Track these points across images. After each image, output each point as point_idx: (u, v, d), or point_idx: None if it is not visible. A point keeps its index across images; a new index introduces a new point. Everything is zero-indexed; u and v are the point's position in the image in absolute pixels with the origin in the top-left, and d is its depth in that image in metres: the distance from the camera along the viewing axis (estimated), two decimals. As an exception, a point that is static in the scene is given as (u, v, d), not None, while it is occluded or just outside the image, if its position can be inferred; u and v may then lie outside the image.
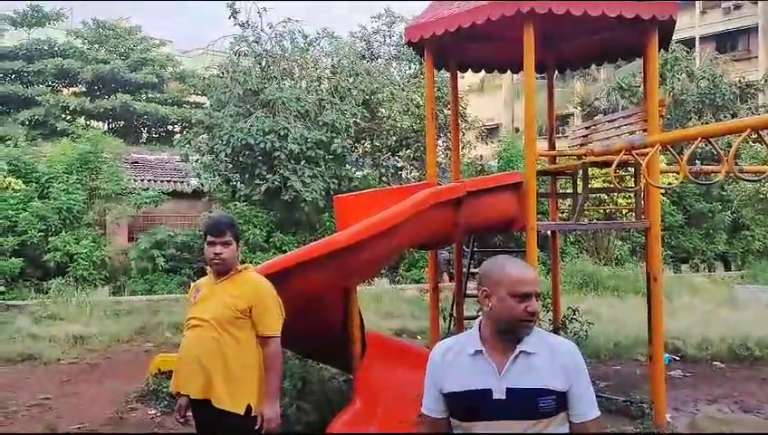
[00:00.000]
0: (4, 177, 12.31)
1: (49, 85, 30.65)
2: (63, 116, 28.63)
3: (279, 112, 14.12)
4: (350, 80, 15.75)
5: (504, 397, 2.21)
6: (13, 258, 12.94)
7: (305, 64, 15.95)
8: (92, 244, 13.62)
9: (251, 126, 13.79)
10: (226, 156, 14.41)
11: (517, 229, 5.65)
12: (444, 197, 5.04)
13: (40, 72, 29.67)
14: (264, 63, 15.24)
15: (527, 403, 2.20)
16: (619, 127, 6.50)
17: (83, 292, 12.60)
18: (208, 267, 3.75)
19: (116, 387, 7.43)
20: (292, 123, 13.99)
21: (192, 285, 3.92)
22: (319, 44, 16.66)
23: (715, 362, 8.83)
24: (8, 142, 15.86)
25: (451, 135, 7.81)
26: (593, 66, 9.66)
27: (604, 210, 14.26)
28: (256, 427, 3.46)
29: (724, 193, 19.28)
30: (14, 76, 29.98)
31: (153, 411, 6.50)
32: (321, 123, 14.49)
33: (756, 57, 31.85)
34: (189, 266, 14.31)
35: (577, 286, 13.71)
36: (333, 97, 15.12)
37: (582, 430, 2.27)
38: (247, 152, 14.22)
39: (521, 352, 2.25)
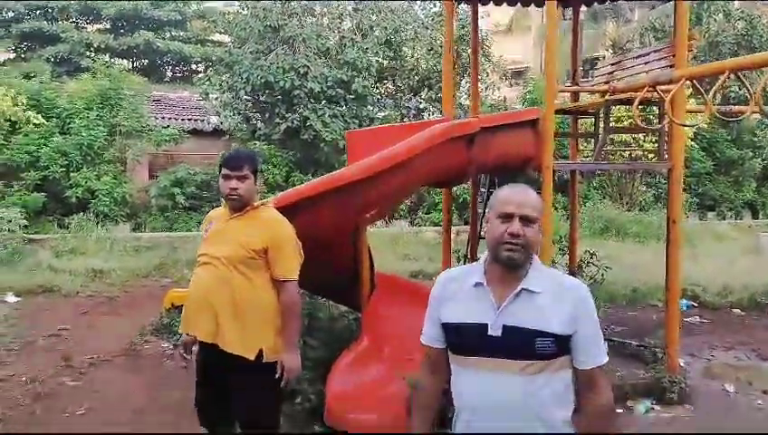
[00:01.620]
0: (24, 110, 12.30)
1: (73, 22, 30.45)
2: (88, 53, 28.50)
3: (299, 50, 13.85)
4: (373, 17, 15.35)
5: (499, 334, 2.11)
6: (35, 193, 13.08)
7: (327, 1, 15.55)
8: (113, 180, 13.68)
9: (271, 64, 13.57)
10: (246, 94, 14.26)
11: (533, 169, 5.47)
12: (457, 132, 4.86)
13: (64, 8, 29.47)
14: (284, -1, 14.88)
15: (523, 343, 2.10)
16: (647, 63, 6.20)
17: (104, 228, 12.74)
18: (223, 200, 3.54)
19: (132, 320, 7.53)
20: (312, 61, 13.74)
21: (206, 216, 3.71)
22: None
23: (734, 310, 8.67)
24: (34, 79, 15.80)
25: (472, 71, 7.56)
26: (627, 8, 9.08)
27: (630, 154, 13.95)
28: (276, 376, 3.31)
29: (755, 139, 18.70)
30: (39, 12, 29.80)
31: (166, 345, 6.58)
32: (342, 62, 14.20)
33: (799, -1, 30.42)
34: (209, 205, 14.33)
35: (598, 232, 13.51)
36: (355, 35, 14.77)
37: (586, 376, 2.16)
38: (267, 91, 14.05)
39: (523, 289, 2.13)
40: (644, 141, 13.59)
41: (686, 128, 13.25)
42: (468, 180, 6.41)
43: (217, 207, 3.77)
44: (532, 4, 7.16)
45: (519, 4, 7.20)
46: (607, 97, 5.81)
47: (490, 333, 2.12)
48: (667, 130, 5.90)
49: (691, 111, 7.01)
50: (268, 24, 14.10)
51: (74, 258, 10.53)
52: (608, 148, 14.05)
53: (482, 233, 2.32)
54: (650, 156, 11.10)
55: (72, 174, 13.46)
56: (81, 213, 13.09)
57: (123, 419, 4.81)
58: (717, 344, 7.08)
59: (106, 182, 13.51)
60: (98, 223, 12.79)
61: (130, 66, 30.67)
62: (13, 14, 29.16)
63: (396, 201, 5.89)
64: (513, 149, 5.24)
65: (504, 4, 7.28)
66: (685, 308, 8.30)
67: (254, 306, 3.32)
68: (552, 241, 7.59)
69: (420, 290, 6.34)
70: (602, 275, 7.54)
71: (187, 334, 3.50)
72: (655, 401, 5.29)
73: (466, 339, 2.19)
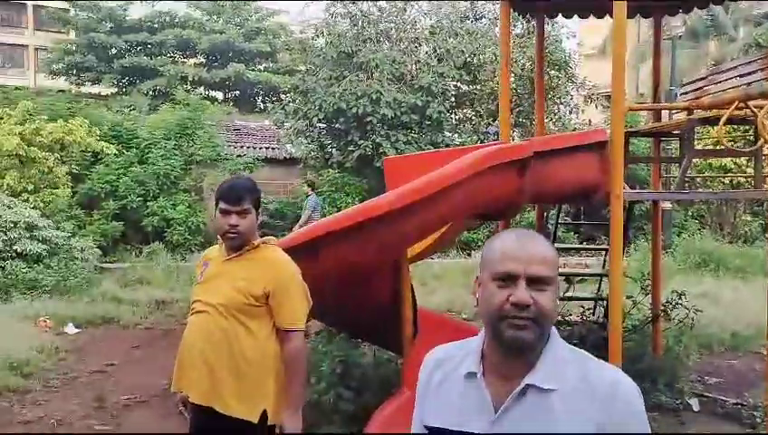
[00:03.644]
0: (98, 141, 12.62)
1: (170, 56, 31.76)
2: (184, 86, 29.55)
3: (372, 75, 13.56)
4: (450, 41, 14.87)
5: None
6: (113, 222, 13.34)
7: (402, 25, 15.23)
8: (188, 209, 13.80)
9: (343, 90, 13.34)
10: (319, 121, 14.07)
11: (599, 198, 4.76)
12: (504, 157, 4.24)
13: (162, 43, 30.78)
14: (359, 25, 14.68)
15: None
16: (740, 76, 5.36)
17: (178, 256, 12.75)
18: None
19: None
20: (385, 87, 13.40)
21: (201, 255, 3.25)
22: (417, 4, 15.83)
23: None
24: (133, 112, 16.38)
25: (536, 89, 6.91)
26: (731, 25, 7.96)
27: (731, 181, 12.73)
28: None
29: None
30: (139, 48, 31.24)
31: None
32: (416, 87, 13.78)
33: None
34: (282, 234, 14.21)
35: (694, 266, 12.26)
36: (431, 59, 14.33)
37: None
38: (340, 118, 13.82)
39: (529, 386, 1.43)
40: (747, 166, 12.31)
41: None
42: (518, 211, 5.73)
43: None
44: (606, 15, 6.44)
45: (591, 15, 6.52)
46: (690, 116, 5.04)
47: None
48: (765, 153, 5.05)
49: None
50: (342, 50, 13.91)
51: (140, 288, 10.50)
52: (704, 174, 12.89)
53: (475, 297, 1.54)
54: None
55: (148, 203, 13.66)
56: (158, 242, 13.22)
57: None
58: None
59: (181, 211, 13.63)
60: (172, 251, 12.83)
61: (223, 97, 31.64)
62: (115, 51, 30.69)
63: (444, 234, 5.29)
64: (574, 176, 4.56)
65: (576, 17, 6.63)
66: (794, 357, 7.19)
67: (256, 361, 2.86)
68: (630, 277, 6.78)
69: (470, 331, 5.70)
70: (692, 319, 6.60)
71: (181, 392, 3.06)
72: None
73: None
